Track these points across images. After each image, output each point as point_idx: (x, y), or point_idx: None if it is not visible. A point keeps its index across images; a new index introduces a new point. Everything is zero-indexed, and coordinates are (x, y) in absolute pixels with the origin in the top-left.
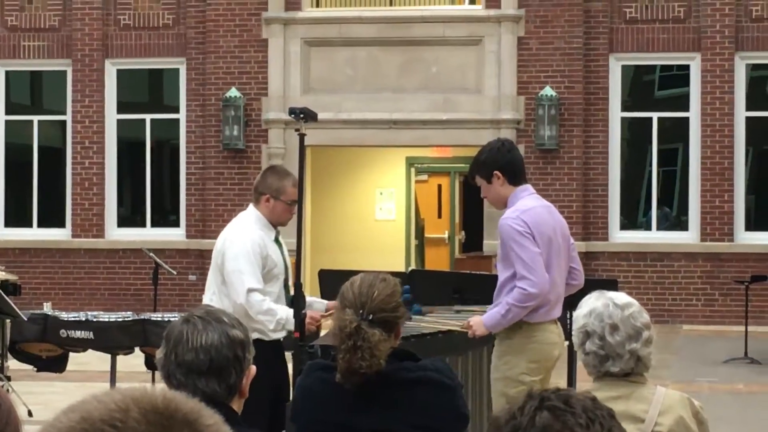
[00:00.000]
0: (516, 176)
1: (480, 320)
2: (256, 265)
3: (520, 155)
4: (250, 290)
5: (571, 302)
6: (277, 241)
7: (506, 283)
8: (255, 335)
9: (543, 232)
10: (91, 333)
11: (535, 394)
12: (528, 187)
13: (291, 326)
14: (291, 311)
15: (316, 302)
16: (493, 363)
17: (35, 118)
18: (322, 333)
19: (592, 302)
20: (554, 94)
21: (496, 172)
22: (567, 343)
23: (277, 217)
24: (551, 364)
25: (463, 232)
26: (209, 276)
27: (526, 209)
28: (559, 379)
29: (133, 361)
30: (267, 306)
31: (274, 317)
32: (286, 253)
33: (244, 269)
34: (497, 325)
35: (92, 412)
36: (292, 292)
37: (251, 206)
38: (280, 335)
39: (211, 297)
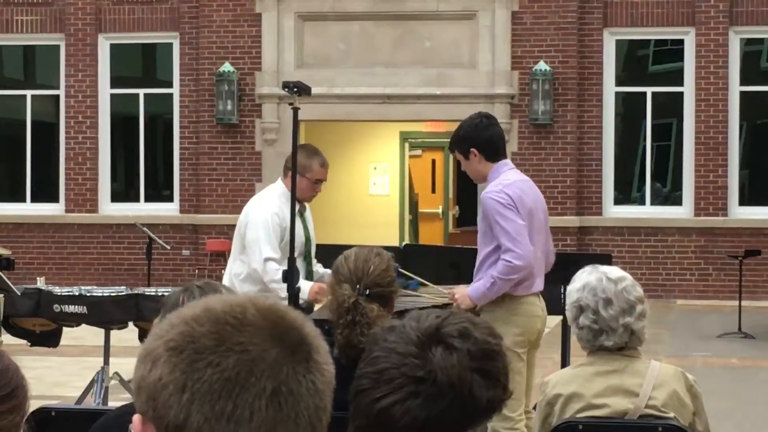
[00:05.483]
0: (494, 153)
1: (465, 292)
2: (274, 236)
3: (498, 131)
4: (266, 259)
5: (565, 277)
6: (301, 215)
7: (487, 257)
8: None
9: (526, 205)
10: (85, 308)
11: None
12: (508, 162)
13: (304, 296)
14: (307, 283)
15: (327, 274)
16: None
17: (28, 93)
18: (316, 307)
19: (585, 276)
20: (548, 68)
21: (472, 149)
22: (561, 317)
23: (301, 192)
24: (534, 336)
25: (457, 207)
26: (233, 242)
27: (508, 183)
28: (552, 354)
29: (127, 336)
30: (280, 276)
31: None
32: (311, 227)
33: (262, 238)
34: (482, 298)
35: (215, 306)
36: (315, 266)
37: (279, 180)
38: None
39: (231, 261)
